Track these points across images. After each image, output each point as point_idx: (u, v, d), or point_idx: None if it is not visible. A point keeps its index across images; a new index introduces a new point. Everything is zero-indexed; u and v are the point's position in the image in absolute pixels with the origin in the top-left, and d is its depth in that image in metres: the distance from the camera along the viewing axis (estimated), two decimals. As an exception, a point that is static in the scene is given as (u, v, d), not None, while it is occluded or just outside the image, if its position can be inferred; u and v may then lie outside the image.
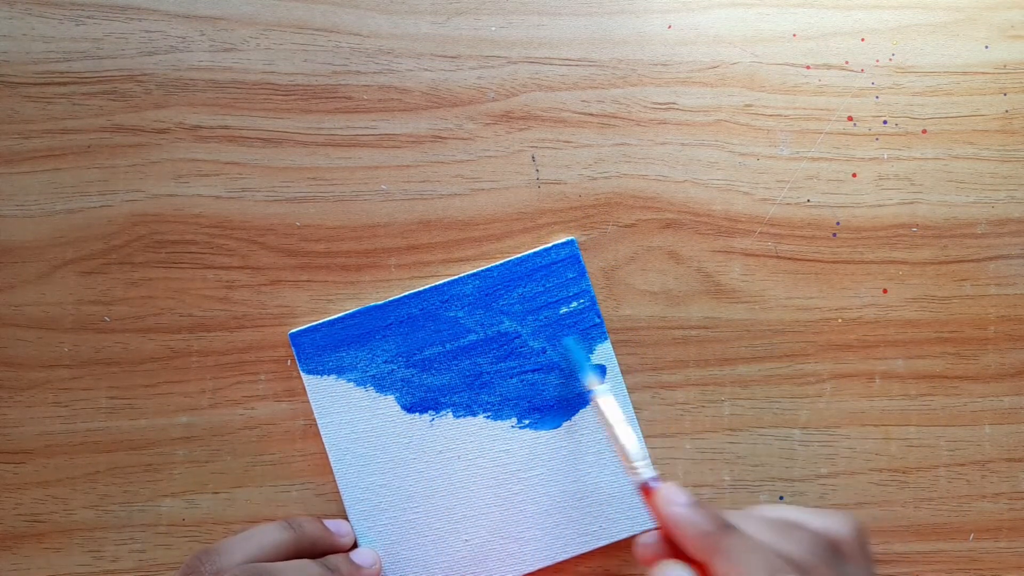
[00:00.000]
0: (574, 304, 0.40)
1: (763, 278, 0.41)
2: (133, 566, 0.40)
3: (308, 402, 0.40)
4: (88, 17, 0.41)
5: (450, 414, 0.40)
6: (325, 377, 0.40)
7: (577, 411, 0.40)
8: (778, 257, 0.41)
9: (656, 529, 0.33)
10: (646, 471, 0.34)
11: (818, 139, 0.41)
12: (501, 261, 0.40)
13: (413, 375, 0.40)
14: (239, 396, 0.40)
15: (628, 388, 0.40)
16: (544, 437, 0.40)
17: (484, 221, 0.41)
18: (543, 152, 0.41)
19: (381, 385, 0.40)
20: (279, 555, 0.35)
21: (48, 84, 0.41)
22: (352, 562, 0.37)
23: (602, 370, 0.40)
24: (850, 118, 0.41)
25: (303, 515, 0.39)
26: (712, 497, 0.40)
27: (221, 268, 0.41)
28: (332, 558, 0.37)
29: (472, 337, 0.40)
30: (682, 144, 0.41)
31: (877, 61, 0.41)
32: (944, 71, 0.41)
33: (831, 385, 0.41)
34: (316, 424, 0.40)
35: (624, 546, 0.40)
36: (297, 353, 0.40)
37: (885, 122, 0.41)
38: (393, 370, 0.40)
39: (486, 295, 0.40)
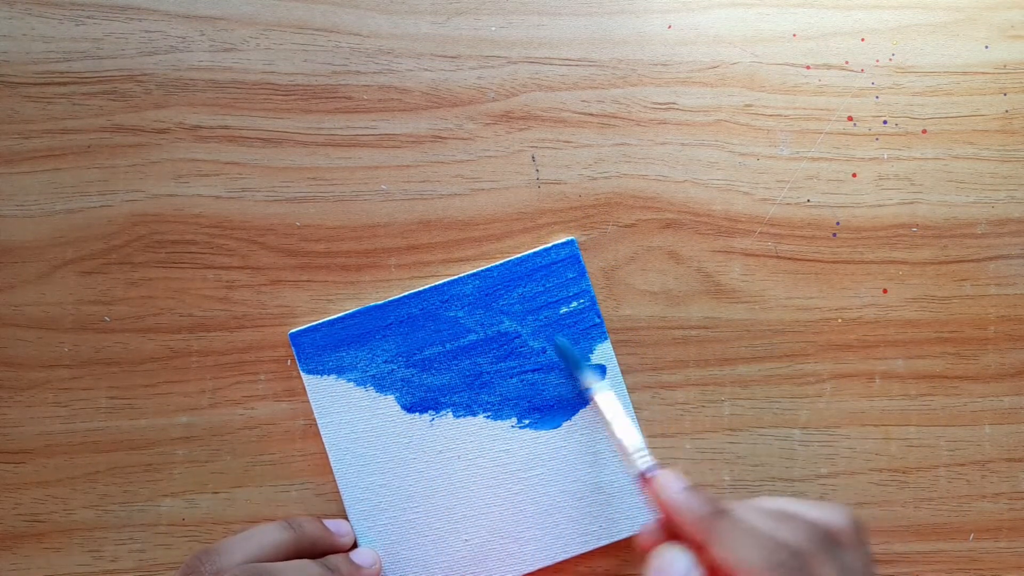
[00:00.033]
0: (574, 304, 0.40)
1: (763, 278, 0.41)
2: (133, 566, 0.40)
3: (308, 402, 0.40)
4: (88, 17, 0.41)
5: (450, 414, 0.40)
6: (325, 377, 0.40)
7: (577, 411, 0.40)
8: (778, 257, 0.41)
9: (656, 518, 0.33)
10: (644, 461, 0.34)
11: (818, 139, 0.41)
12: (501, 261, 0.40)
13: (413, 375, 0.40)
14: (239, 396, 0.40)
15: (628, 388, 0.40)
16: (544, 437, 0.40)
17: (484, 221, 0.41)
18: (543, 152, 0.41)
19: (381, 385, 0.40)
20: (279, 555, 0.35)
21: (48, 84, 0.41)
22: (352, 562, 0.37)
23: (602, 370, 0.40)
24: (850, 118, 0.41)
25: (303, 515, 0.39)
26: (712, 497, 0.40)
27: (221, 268, 0.41)
28: (332, 558, 0.37)
29: (472, 337, 0.40)
30: (682, 144, 0.41)
31: (877, 61, 0.41)
32: (944, 71, 0.41)
33: (831, 385, 0.41)
34: (316, 424, 0.40)
35: (624, 546, 0.40)
36: (297, 353, 0.40)
37: (885, 122, 0.41)
38: (393, 370, 0.40)
39: (486, 295, 0.40)
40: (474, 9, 0.41)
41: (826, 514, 0.32)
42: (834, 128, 0.41)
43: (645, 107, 0.41)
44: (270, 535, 0.36)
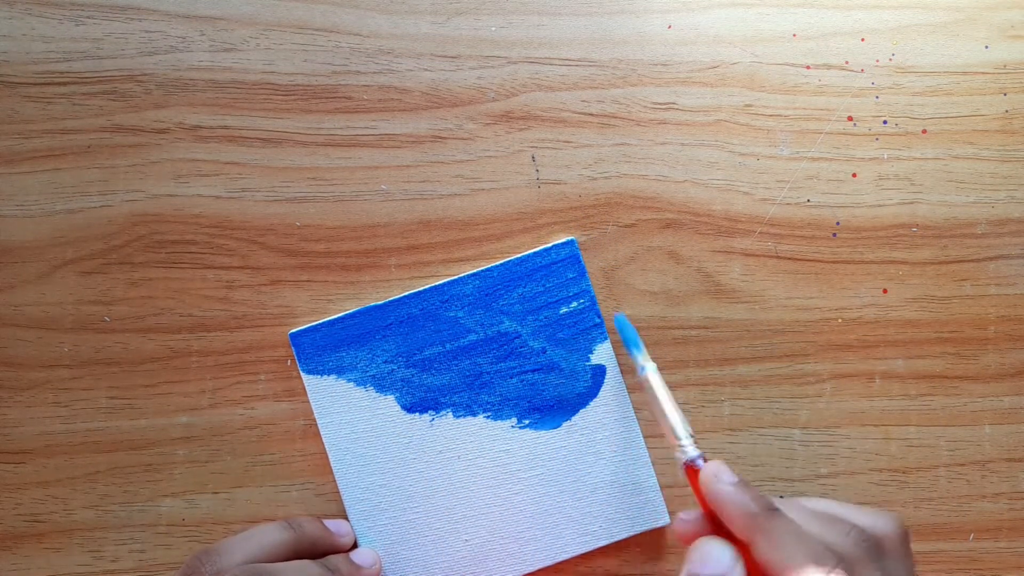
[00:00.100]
0: (574, 304, 0.40)
1: (763, 278, 0.41)
2: (133, 566, 0.40)
3: (308, 402, 0.40)
4: (88, 17, 0.41)
5: (450, 414, 0.40)
6: (325, 377, 0.40)
7: (577, 411, 0.40)
8: (778, 257, 0.41)
9: (698, 508, 0.33)
10: (691, 449, 0.34)
11: (818, 139, 0.41)
12: (501, 261, 0.40)
13: (413, 375, 0.40)
14: (239, 396, 0.40)
15: (628, 388, 0.40)
16: (544, 437, 0.40)
17: (484, 221, 0.41)
18: (543, 152, 0.41)
19: (381, 385, 0.40)
20: (279, 555, 0.35)
21: (48, 84, 0.41)
22: (352, 562, 0.37)
23: (602, 370, 0.40)
24: (850, 118, 0.41)
25: (303, 515, 0.39)
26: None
27: (221, 268, 0.41)
28: (332, 558, 0.37)
29: (472, 337, 0.40)
30: (682, 144, 0.41)
31: (877, 61, 0.41)
32: (944, 71, 0.41)
33: (831, 385, 0.41)
34: (316, 424, 0.40)
35: (624, 546, 0.40)
36: (297, 353, 0.40)
37: (885, 122, 0.41)
38: (393, 370, 0.40)
39: (486, 295, 0.40)
40: (474, 9, 0.41)
41: (874, 520, 0.31)
42: (834, 128, 0.41)
43: (645, 107, 0.41)
44: (270, 535, 0.36)
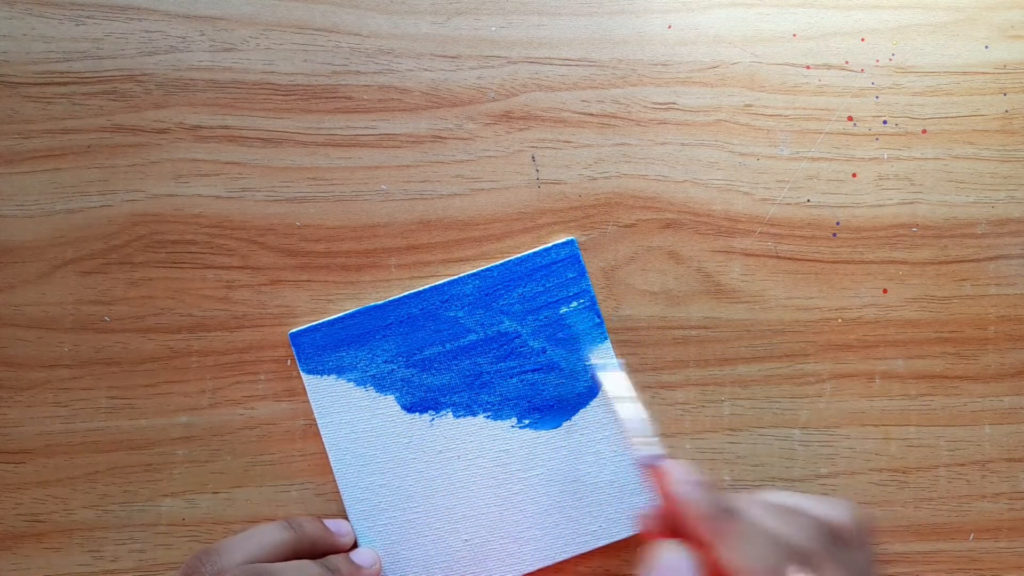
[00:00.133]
0: (574, 304, 0.40)
1: (763, 278, 0.41)
2: (133, 566, 0.40)
3: (308, 402, 0.40)
4: (88, 17, 0.41)
5: (450, 414, 0.40)
6: (325, 377, 0.40)
7: (577, 411, 0.40)
8: (778, 257, 0.41)
9: (658, 507, 0.33)
10: (651, 448, 0.34)
11: (818, 139, 0.41)
12: (501, 261, 0.40)
13: (413, 375, 0.40)
14: (239, 396, 0.40)
15: (628, 388, 0.40)
16: (544, 437, 0.40)
17: (484, 221, 0.41)
18: (543, 152, 0.41)
19: (381, 385, 0.40)
20: (279, 555, 0.35)
21: (48, 84, 0.41)
22: (352, 562, 0.37)
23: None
24: (850, 118, 0.41)
25: (303, 515, 0.39)
26: (712, 497, 0.40)
27: (221, 268, 0.41)
28: (332, 558, 0.37)
29: (472, 337, 0.40)
30: (682, 144, 0.41)
31: (877, 61, 0.41)
32: (944, 71, 0.41)
33: (831, 385, 0.41)
34: (316, 424, 0.40)
35: (624, 546, 0.40)
36: (297, 353, 0.40)
37: (885, 122, 0.41)
38: (393, 370, 0.40)
39: (486, 295, 0.40)
40: (474, 9, 0.41)
41: (831, 510, 0.31)
42: (834, 128, 0.41)
43: (645, 107, 0.41)
44: (270, 535, 0.36)
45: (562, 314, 0.40)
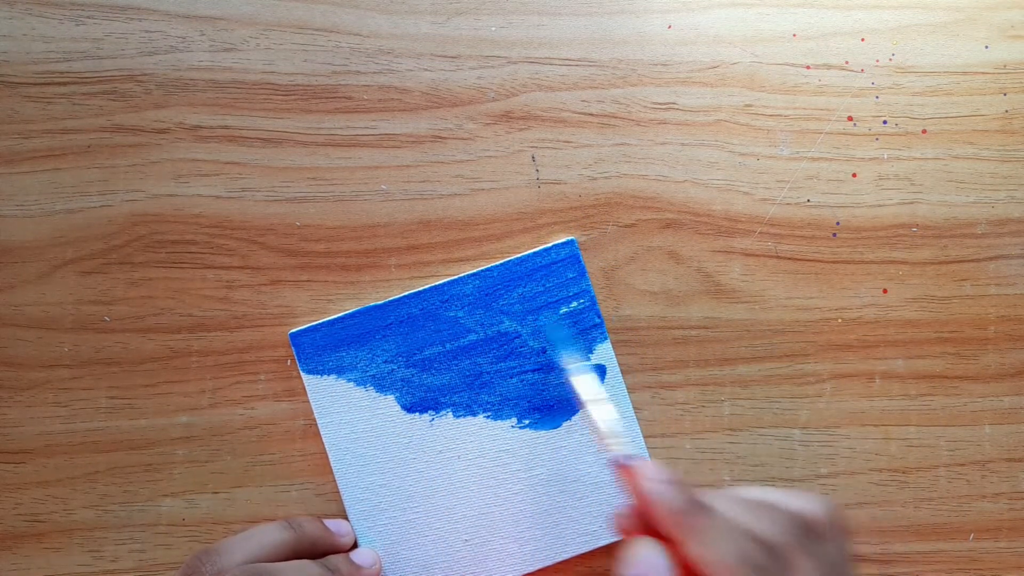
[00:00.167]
0: (574, 304, 0.40)
1: (763, 278, 0.41)
2: (133, 566, 0.40)
3: (308, 402, 0.40)
4: (88, 17, 0.41)
5: (450, 414, 0.40)
6: (325, 377, 0.40)
7: (577, 411, 0.40)
8: (778, 257, 0.41)
9: (631, 505, 0.33)
10: (622, 448, 0.34)
11: (818, 139, 0.41)
12: (501, 261, 0.40)
13: (413, 375, 0.40)
14: (239, 396, 0.40)
15: (628, 388, 0.40)
16: (544, 437, 0.40)
17: (484, 221, 0.41)
18: (543, 152, 0.41)
19: (381, 385, 0.40)
20: (279, 555, 0.35)
21: (48, 84, 0.41)
22: (352, 562, 0.37)
23: (602, 370, 0.40)
24: (850, 118, 0.41)
25: (303, 515, 0.39)
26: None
27: (221, 268, 0.41)
28: (332, 558, 0.37)
29: (472, 337, 0.40)
30: (682, 144, 0.41)
31: (877, 61, 0.41)
32: (944, 71, 0.41)
33: (831, 385, 0.41)
34: (316, 424, 0.40)
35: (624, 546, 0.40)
36: (297, 353, 0.40)
37: (885, 122, 0.41)
38: (393, 370, 0.40)
39: (486, 295, 0.40)
40: (474, 9, 0.41)
41: (804, 504, 0.31)
42: (834, 128, 0.41)
43: (645, 107, 0.41)
44: (270, 535, 0.36)
45: (562, 314, 0.40)
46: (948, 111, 0.41)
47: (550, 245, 0.40)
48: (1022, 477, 0.41)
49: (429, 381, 0.40)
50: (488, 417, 0.40)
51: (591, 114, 0.41)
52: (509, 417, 0.40)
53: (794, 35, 0.41)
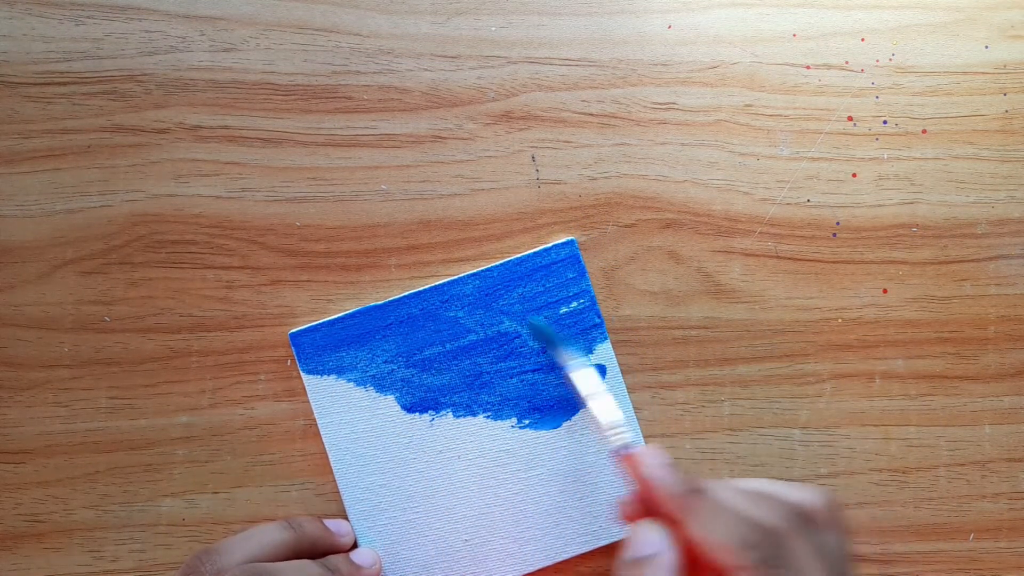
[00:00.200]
0: (574, 304, 0.40)
1: (763, 278, 0.41)
2: (133, 566, 0.40)
3: (308, 402, 0.40)
4: (88, 17, 0.41)
5: (450, 414, 0.40)
6: (325, 377, 0.40)
7: (577, 411, 0.40)
8: (778, 257, 0.41)
9: (634, 492, 0.33)
10: (621, 437, 0.34)
11: (818, 139, 0.41)
12: (501, 261, 0.40)
13: (413, 375, 0.40)
14: (239, 396, 0.40)
15: (628, 388, 0.40)
16: (544, 437, 0.40)
17: (484, 221, 0.41)
18: (543, 152, 0.41)
19: (381, 385, 0.40)
20: (279, 555, 0.35)
21: (48, 84, 0.41)
22: (352, 562, 0.37)
23: (602, 370, 0.40)
24: (850, 118, 0.41)
25: (303, 515, 0.39)
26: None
27: (221, 268, 0.41)
28: (332, 558, 0.37)
29: (472, 337, 0.40)
30: (682, 144, 0.41)
31: (877, 61, 0.41)
32: (944, 71, 0.41)
33: (831, 385, 0.41)
34: (316, 424, 0.40)
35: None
36: (297, 353, 0.40)
37: (885, 122, 0.41)
38: (393, 370, 0.40)
39: (486, 295, 0.40)
40: (474, 9, 0.41)
41: (802, 495, 0.32)
42: (834, 128, 0.41)
43: (645, 107, 0.41)
44: (270, 535, 0.36)
45: (562, 314, 0.40)
46: (948, 111, 0.41)
47: (550, 245, 0.40)
48: (1022, 477, 0.41)
49: (429, 381, 0.40)
50: (488, 417, 0.40)
51: (591, 114, 0.41)
52: (509, 417, 0.40)
53: (794, 35, 0.41)
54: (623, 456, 0.34)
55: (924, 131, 0.41)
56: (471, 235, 0.41)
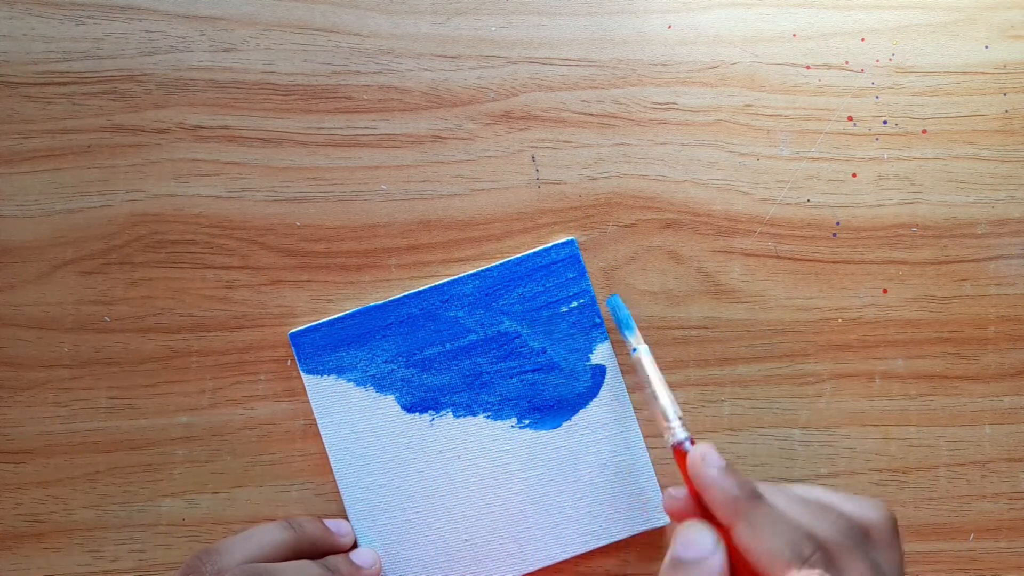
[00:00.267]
0: (574, 304, 0.40)
1: (763, 278, 0.41)
2: (133, 566, 0.40)
3: (308, 402, 0.40)
4: (88, 17, 0.41)
5: (450, 414, 0.40)
6: (325, 377, 0.40)
7: (577, 411, 0.40)
8: (778, 257, 0.41)
9: (686, 489, 0.33)
10: (680, 432, 0.34)
11: (818, 139, 0.41)
12: (501, 261, 0.40)
13: (413, 375, 0.40)
14: (239, 396, 0.40)
15: (628, 388, 0.40)
16: (544, 437, 0.40)
17: (484, 221, 0.41)
18: (543, 152, 0.41)
19: (381, 385, 0.40)
20: (279, 555, 0.35)
21: (48, 84, 0.41)
22: (352, 562, 0.37)
23: (602, 370, 0.40)
24: (850, 118, 0.41)
25: (303, 515, 0.39)
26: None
27: (221, 268, 0.41)
28: (332, 558, 0.37)
29: (472, 337, 0.40)
30: (682, 144, 0.41)
31: (877, 61, 0.41)
32: (944, 71, 0.41)
33: (831, 385, 0.41)
34: (316, 424, 0.40)
35: (624, 546, 0.40)
36: (297, 353, 0.40)
37: (885, 122, 0.41)
38: (393, 370, 0.40)
39: (486, 295, 0.40)
40: (474, 9, 0.41)
41: (861, 508, 0.31)
42: (834, 128, 0.41)
43: (645, 107, 0.41)
44: (270, 535, 0.36)
45: (562, 314, 0.40)
46: (948, 111, 0.41)
47: (550, 245, 0.40)
48: (1022, 477, 0.41)
49: (429, 381, 0.40)
50: (488, 417, 0.40)
51: (591, 114, 0.41)
52: (509, 417, 0.40)
53: (794, 35, 0.41)
54: (679, 452, 0.33)
55: (924, 131, 0.41)
56: (471, 235, 0.41)
